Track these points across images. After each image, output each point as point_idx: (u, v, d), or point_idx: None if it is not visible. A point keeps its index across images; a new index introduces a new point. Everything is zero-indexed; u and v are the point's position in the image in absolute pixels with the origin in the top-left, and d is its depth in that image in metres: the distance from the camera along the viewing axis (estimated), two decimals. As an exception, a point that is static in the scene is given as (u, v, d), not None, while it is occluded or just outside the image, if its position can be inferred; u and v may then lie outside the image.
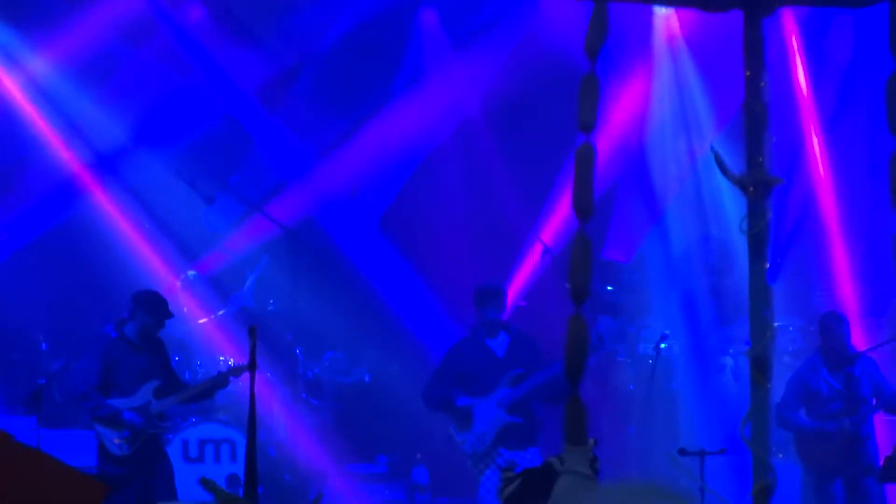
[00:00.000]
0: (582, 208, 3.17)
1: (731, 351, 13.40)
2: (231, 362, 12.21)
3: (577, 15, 14.70)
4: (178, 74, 14.84)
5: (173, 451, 12.44)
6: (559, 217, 15.05)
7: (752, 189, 3.26)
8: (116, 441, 11.04)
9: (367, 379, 14.72)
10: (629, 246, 14.98)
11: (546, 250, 14.26)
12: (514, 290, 14.41)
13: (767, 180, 3.28)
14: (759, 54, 3.31)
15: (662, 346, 12.63)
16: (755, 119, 3.31)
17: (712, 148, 3.45)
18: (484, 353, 11.47)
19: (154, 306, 11.23)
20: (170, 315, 11.32)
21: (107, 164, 14.80)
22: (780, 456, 11.57)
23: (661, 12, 14.75)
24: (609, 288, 13.93)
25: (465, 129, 15.53)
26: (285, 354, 13.87)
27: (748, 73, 3.29)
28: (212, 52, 14.89)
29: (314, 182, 15.19)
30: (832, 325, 11.58)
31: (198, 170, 14.38)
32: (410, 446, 13.68)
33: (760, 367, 3.24)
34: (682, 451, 10.82)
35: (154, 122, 14.78)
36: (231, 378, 11.49)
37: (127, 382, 11.12)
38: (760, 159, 3.28)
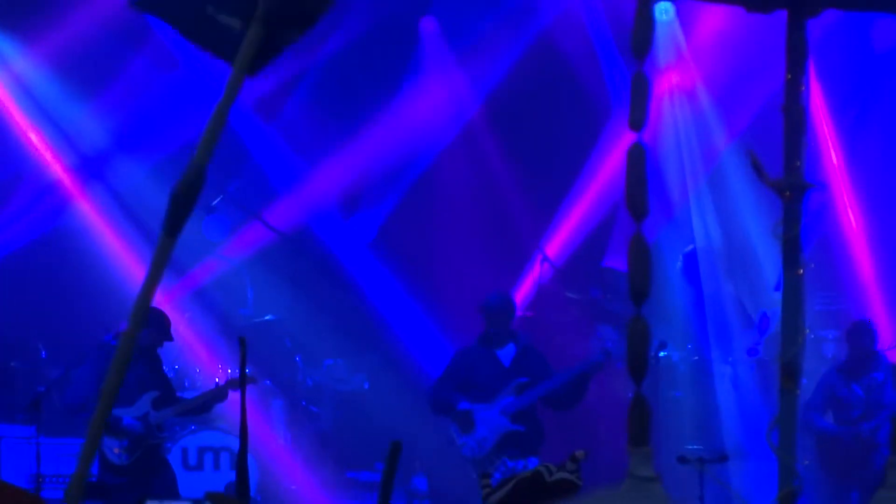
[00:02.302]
0: (636, 208, 3.16)
1: (730, 359, 13.39)
2: (229, 372, 12.21)
3: (580, 20, 14.75)
4: (174, 80, 14.77)
5: (173, 458, 12.42)
6: (565, 228, 15.03)
7: (788, 193, 3.23)
8: (116, 450, 11.05)
9: (366, 386, 14.70)
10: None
11: (544, 258, 14.23)
12: (518, 300, 14.38)
13: (803, 185, 3.25)
14: (801, 57, 3.27)
15: (661, 353, 12.61)
16: (794, 123, 3.27)
17: (749, 151, 3.41)
18: (490, 361, 11.46)
19: (158, 325, 11.25)
20: (170, 338, 11.37)
21: (103, 169, 14.76)
22: (807, 462, 11.61)
23: (664, 18, 14.71)
24: (608, 296, 13.92)
25: (469, 138, 15.49)
26: (285, 362, 13.85)
27: (789, 76, 3.25)
28: (209, 58, 14.80)
29: (314, 191, 15.17)
30: (858, 332, 11.79)
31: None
32: (409, 454, 13.62)
33: (790, 373, 3.21)
34: (682, 459, 10.80)
35: (149, 128, 14.72)
36: (230, 390, 11.49)
37: (126, 392, 11.12)
38: (798, 163, 3.25)
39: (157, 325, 11.30)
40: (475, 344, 11.66)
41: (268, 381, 13.48)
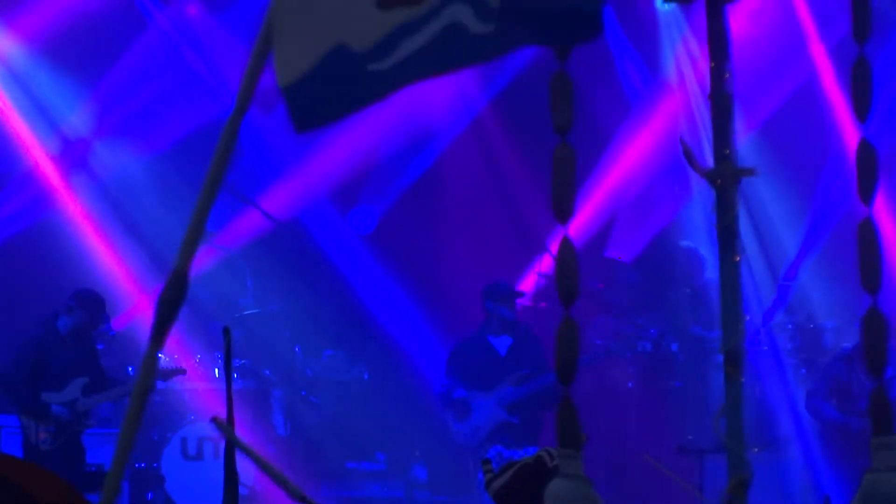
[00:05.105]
0: (562, 211, 3.17)
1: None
2: (166, 362, 12.15)
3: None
4: (173, 68, 14.64)
5: (172, 448, 12.42)
6: (574, 223, 14.99)
7: (719, 181, 3.28)
8: (41, 435, 11.05)
9: (366, 377, 14.69)
10: (632, 246, 14.94)
11: (548, 253, 14.20)
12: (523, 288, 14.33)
13: (735, 172, 3.29)
14: (723, 43, 3.33)
15: (661, 343, 12.62)
16: (721, 110, 3.32)
17: (681, 140, 3.46)
18: (486, 350, 11.49)
19: (90, 308, 11.21)
20: (106, 319, 11.34)
21: (92, 162, 14.66)
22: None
23: (665, 8, 14.71)
24: (601, 287, 13.91)
25: (478, 132, 15.41)
26: (284, 352, 13.83)
27: (713, 64, 3.30)
28: (207, 48, 14.73)
29: (314, 181, 15.11)
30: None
31: (197, 168, 14.24)
32: (409, 444, 13.65)
33: (733, 361, 3.26)
34: (682, 449, 10.80)
35: (145, 120, 14.60)
36: (159, 381, 11.53)
37: (56, 377, 11.11)
38: (727, 151, 3.30)
39: (90, 309, 11.26)
40: (475, 333, 11.70)
41: (267, 372, 13.47)
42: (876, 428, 3.24)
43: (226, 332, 5.61)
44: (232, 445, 5.10)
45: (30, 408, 11.04)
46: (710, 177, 3.30)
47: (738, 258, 3.26)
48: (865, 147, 3.29)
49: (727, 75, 3.30)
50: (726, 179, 3.28)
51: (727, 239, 3.28)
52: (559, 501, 3.17)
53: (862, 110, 3.29)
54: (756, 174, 3.31)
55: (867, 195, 3.27)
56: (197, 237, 3.03)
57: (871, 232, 3.25)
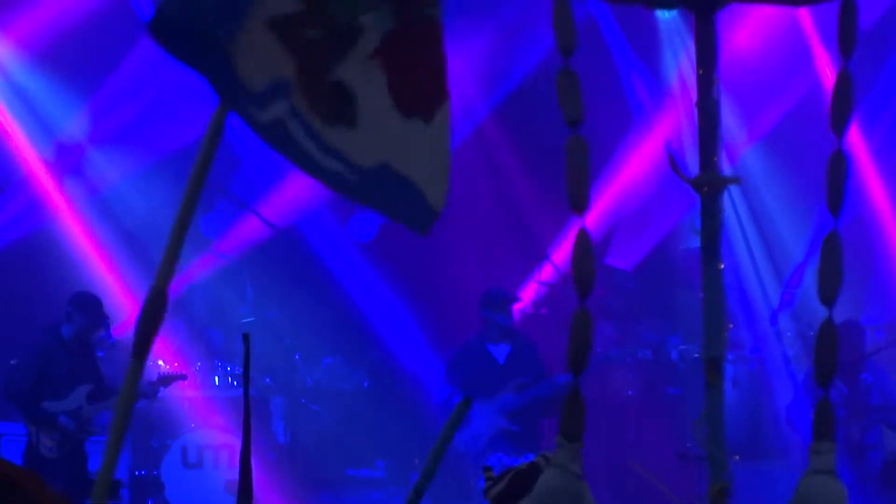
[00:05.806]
0: (578, 202, 3.18)
1: (729, 358, 13.34)
2: (166, 369, 12.13)
3: (595, 23, 14.66)
4: (170, 75, 14.60)
5: (172, 456, 12.41)
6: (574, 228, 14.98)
7: (705, 189, 3.26)
8: (48, 444, 11.03)
9: (365, 385, 14.68)
10: (632, 254, 14.94)
11: (549, 263, 14.19)
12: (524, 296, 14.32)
13: (720, 180, 3.27)
14: (711, 51, 3.32)
15: (661, 351, 12.61)
16: (708, 118, 3.31)
17: (667, 147, 3.46)
18: (485, 358, 11.47)
19: (90, 312, 11.19)
20: (105, 319, 11.33)
21: (86, 170, 14.63)
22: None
23: (666, 16, 14.72)
24: (601, 294, 13.90)
25: (477, 138, 15.39)
26: (284, 360, 13.83)
27: (700, 71, 3.30)
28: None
29: (313, 188, 15.09)
30: (847, 333, 11.73)
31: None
32: (409, 451, 13.62)
33: (714, 369, 3.27)
34: (682, 457, 10.77)
35: (144, 126, 14.54)
36: (161, 387, 11.52)
37: (60, 384, 11.10)
38: (714, 158, 3.30)
39: (87, 311, 11.23)
40: (471, 341, 11.66)
41: (267, 379, 13.46)
42: (816, 434, 3.23)
43: (245, 338, 5.59)
44: (248, 452, 5.05)
45: (36, 417, 11.04)
46: (696, 184, 3.29)
47: (721, 266, 3.26)
48: (838, 159, 3.27)
49: (714, 83, 3.29)
50: (712, 187, 3.27)
51: (710, 247, 3.28)
52: (545, 490, 3.15)
53: (839, 124, 3.28)
54: (740, 183, 3.30)
55: (836, 208, 3.26)
56: (175, 255, 3.03)
57: (835, 245, 3.25)
